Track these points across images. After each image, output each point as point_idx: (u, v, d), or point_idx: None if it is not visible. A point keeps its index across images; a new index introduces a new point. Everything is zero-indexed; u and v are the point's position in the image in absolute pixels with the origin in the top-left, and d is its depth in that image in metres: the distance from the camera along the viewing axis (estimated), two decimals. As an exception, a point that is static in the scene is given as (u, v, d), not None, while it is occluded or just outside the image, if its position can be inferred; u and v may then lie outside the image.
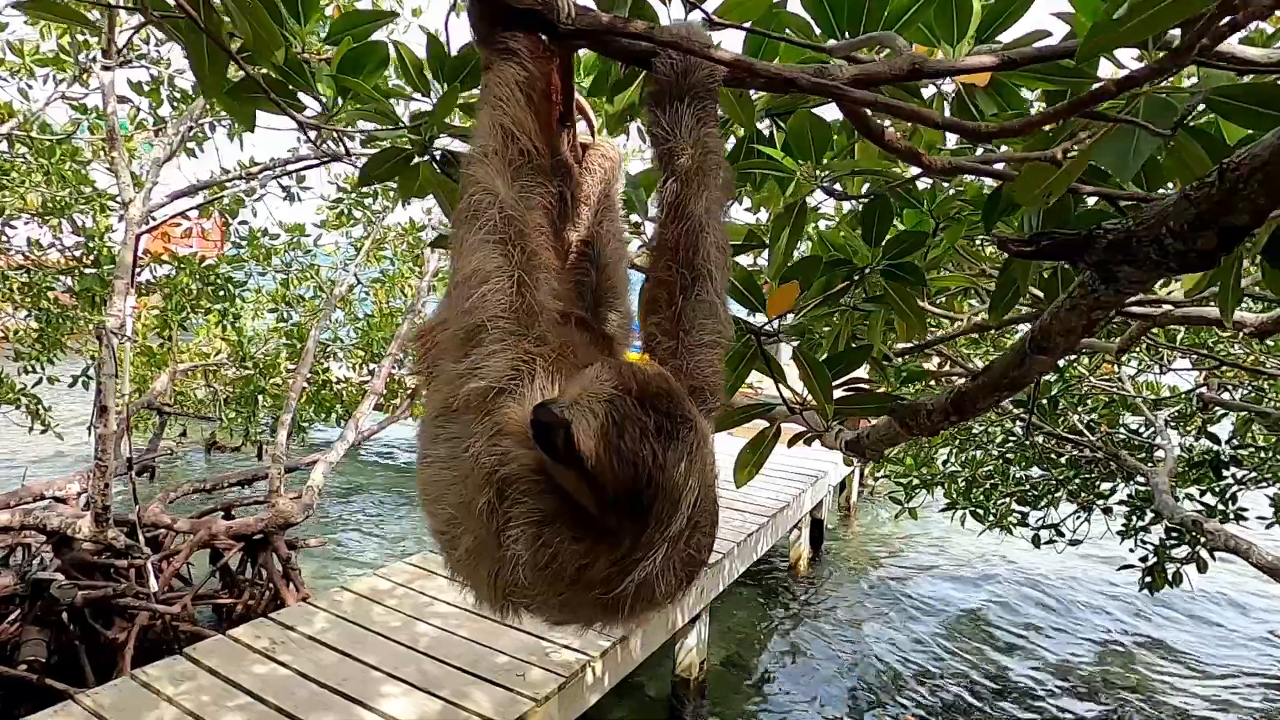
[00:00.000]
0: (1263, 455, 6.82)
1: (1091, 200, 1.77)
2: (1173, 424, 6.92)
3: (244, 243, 10.68)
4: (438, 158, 2.16)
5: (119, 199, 7.04)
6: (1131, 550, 6.70)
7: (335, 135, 2.36)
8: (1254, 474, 6.58)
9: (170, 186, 8.01)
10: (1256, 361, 4.87)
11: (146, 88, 7.99)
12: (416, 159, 2.18)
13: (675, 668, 7.95)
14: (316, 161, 6.90)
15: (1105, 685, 8.87)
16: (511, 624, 5.91)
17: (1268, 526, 6.61)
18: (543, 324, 1.10)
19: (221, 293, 10.13)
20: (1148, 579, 6.53)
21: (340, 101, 2.12)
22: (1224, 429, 6.90)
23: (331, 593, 6.55)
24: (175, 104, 7.98)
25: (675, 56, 1.11)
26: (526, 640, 5.76)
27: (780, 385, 2.14)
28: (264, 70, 1.92)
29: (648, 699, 8.03)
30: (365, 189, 9.26)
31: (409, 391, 10.93)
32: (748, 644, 9.46)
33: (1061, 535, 7.05)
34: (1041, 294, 2.40)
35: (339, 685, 5.01)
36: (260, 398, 11.88)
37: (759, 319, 2.05)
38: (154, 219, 7.10)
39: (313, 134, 2.25)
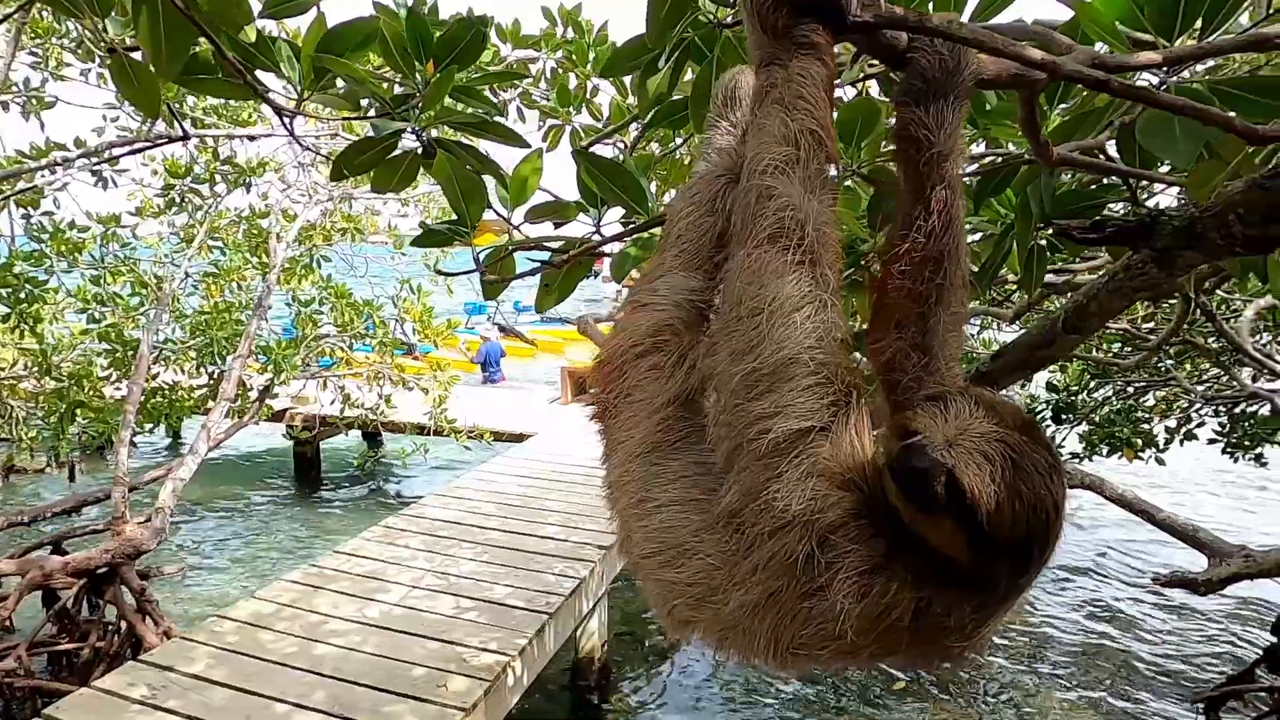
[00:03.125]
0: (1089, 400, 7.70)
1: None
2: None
3: (44, 236, 9.33)
4: (425, 148, 1.96)
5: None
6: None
7: (315, 121, 2.07)
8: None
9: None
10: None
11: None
12: (401, 149, 1.97)
13: (578, 652, 7.90)
14: (150, 144, 6.12)
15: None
16: (419, 632, 5.69)
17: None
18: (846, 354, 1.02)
19: (23, 294, 8.82)
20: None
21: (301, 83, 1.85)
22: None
23: (208, 623, 5.94)
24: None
25: (945, 52, 1.04)
26: (438, 648, 5.50)
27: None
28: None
29: (550, 686, 7.94)
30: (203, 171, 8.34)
31: (258, 394, 10.05)
32: (644, 620, 9.56)
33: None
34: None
35: (242, 725, 4.57)
36: (78, 412, 10.52)
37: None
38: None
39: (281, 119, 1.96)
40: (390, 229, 11.70)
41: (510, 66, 4.37)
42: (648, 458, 1.20)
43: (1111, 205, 1.94)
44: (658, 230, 1.81)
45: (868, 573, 0.95)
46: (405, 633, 5.68)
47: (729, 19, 1.68)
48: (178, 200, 8.64)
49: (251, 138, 8.27)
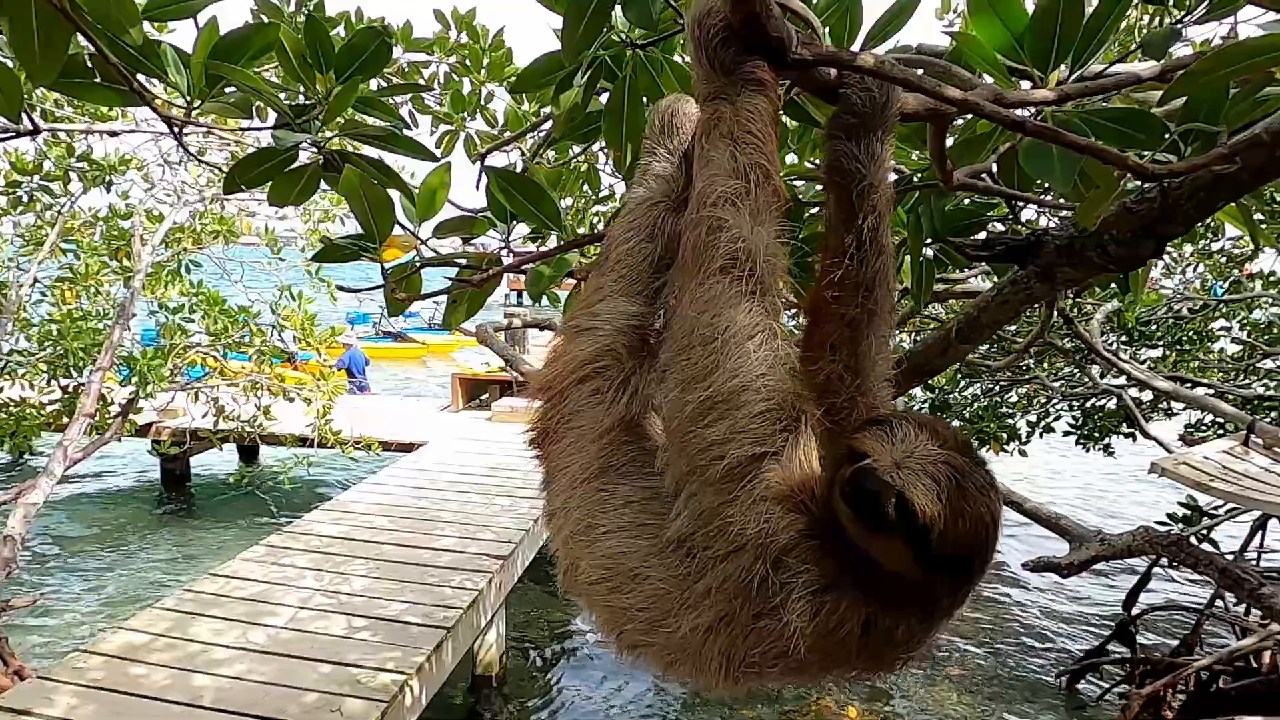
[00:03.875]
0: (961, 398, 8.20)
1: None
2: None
3: None
4: (327, 161, 1.89)
5: None
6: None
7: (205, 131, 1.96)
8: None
9: None
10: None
11: None
12: (300, 162, 1.88)
13: (476, 666, 7.76)
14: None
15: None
16: (310, 655, 5.44)
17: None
18: (797, 380, 1.04)
19: None
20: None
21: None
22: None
23: (70, 660, 5.47)
24: None
25: (875, 89, 1.09)
26: (331, 671, 5.27)
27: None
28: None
29: (449, 703, 7.76)
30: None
31: (121, 409, 9.32)
32: (540, 630, 9.49)
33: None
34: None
35: (114, 768, 4.24)
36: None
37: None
38: None
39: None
40: (267, 232, 11.12)
41: (402, 69, 4.25)
42: (593, 484, 1.20)
43: (995, 224, 2.09)
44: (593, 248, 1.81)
45: (819, 591, 0.98)
46: (295, 657, 5.41)
47: (641, 40, 1.71)
48: (24, 199, 7.92)
49: (113, 133, 7.68)
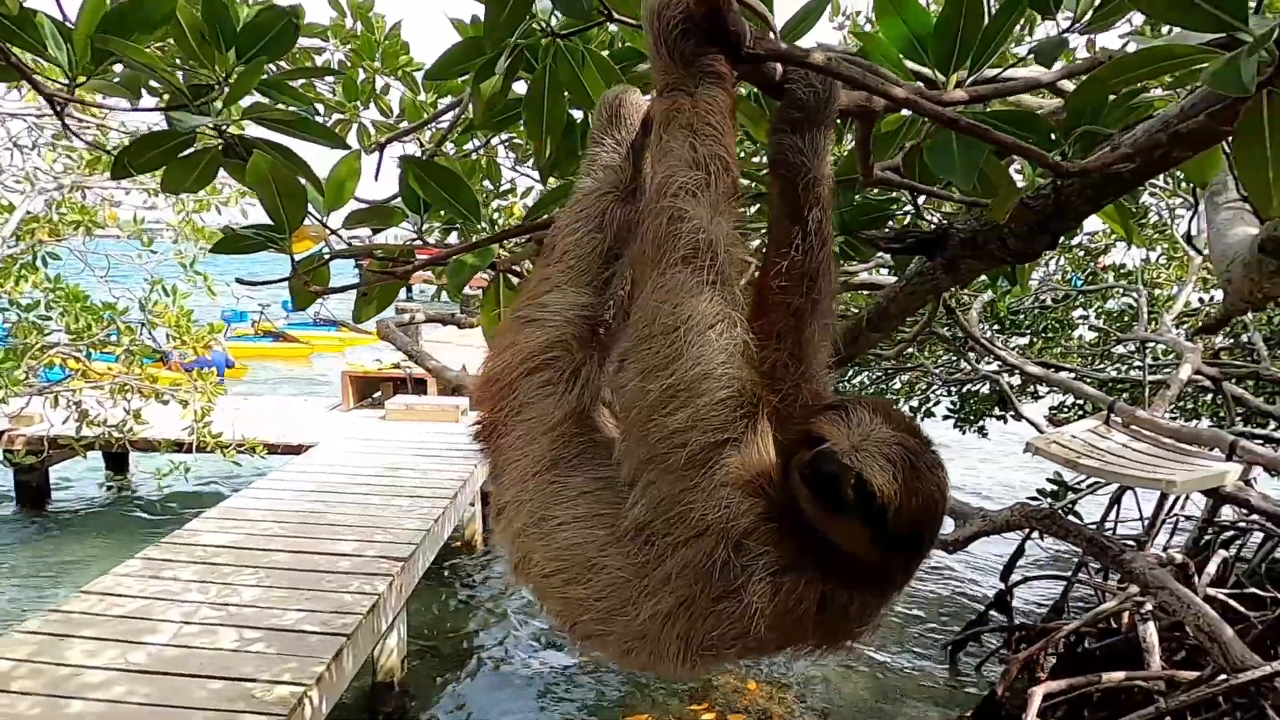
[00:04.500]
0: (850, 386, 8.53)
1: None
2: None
3: None
4: (228, 146, 1.78)
5: None
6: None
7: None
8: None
9: None
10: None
11: None
12: (197, 146, 1.77)
13: (376, 673, 7.53)
14: None
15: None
16: (198, 672, 5.14)
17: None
18: (755, 368, 1.05)
19: None
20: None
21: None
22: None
23: (-82, 694, 4.97)
24: None
25: (819, 85, 1.12)
26: (223, 687, 5.00)
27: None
28: None
29: (348, 713, 7.50)
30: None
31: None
32: (441, 633, 9.30)
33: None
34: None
35: (-23, 808, 3.88)
36: None
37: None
38: None
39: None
40: (135, 222, 10.36)
41: (293, 54, 4.06)
42: (545, 476, 1.19)
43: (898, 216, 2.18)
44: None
45: (779, 572, 1.01)
46: (181, 675, 5.09)
47: (562, 29, 1.69)
48: None
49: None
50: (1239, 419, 8.24)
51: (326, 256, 1.92)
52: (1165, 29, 1.96)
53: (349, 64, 4.30)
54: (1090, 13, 1.68)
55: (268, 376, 24.36)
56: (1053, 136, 1.59)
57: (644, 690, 8.20)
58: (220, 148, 1.77)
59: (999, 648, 8.30)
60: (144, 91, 1.82)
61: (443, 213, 2.00)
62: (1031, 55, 1.75)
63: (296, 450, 11.34)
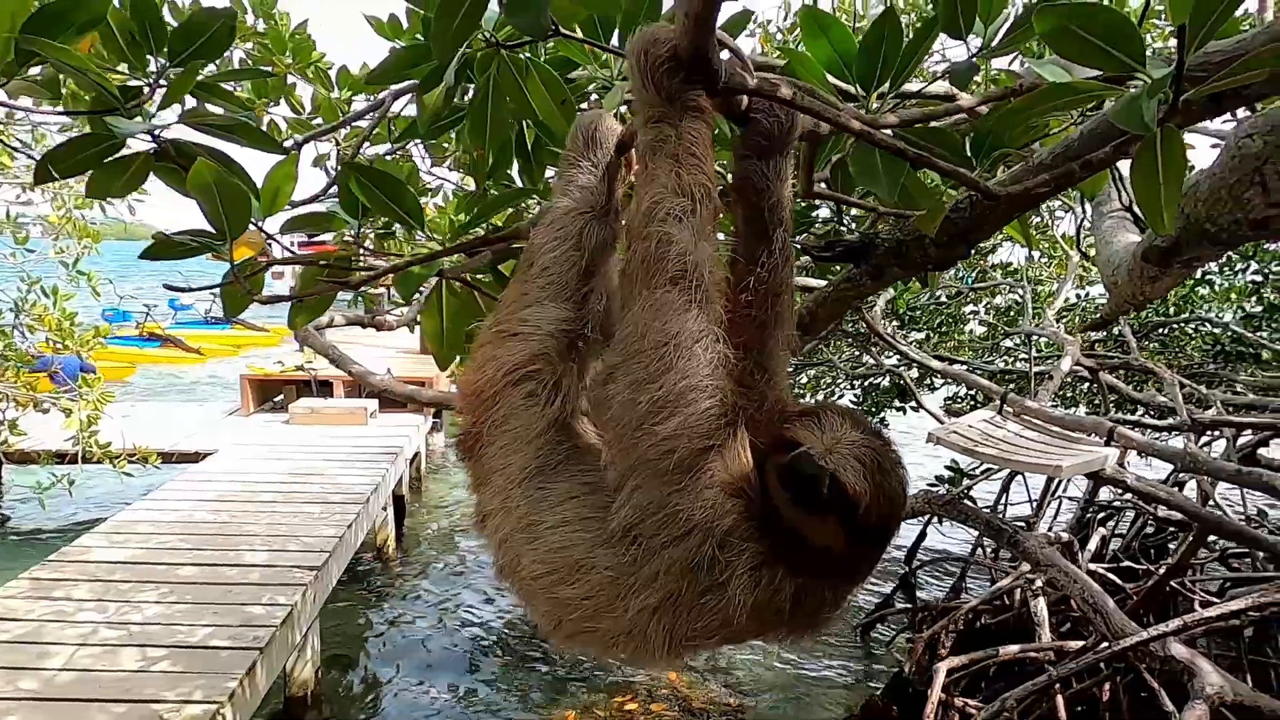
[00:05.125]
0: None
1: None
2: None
3: None
4: (160, 150, 1.73)
5: None
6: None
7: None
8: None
9: None
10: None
11: None
12: (128, 150, 1.71)
13: (289, 686, 7.28)
14: None
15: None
16: (98, 696, 4.87)
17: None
18: (733, 379, 1.12)
19: None
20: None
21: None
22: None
23: None
24: None
25: (781, 115, 1.19)
26: (126, 710, 4.76)
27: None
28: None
29: (259, 729, 7.23)
30: None
31: None
32: (355, 642, 9.06)
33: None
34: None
35: None
36: None
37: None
38: None
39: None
40: (8, 219, 9.64)
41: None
42: (532, 482, 1.24)
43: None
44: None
45: (758, 567, 1.09)
46: (80, 700, 4.82)
47: (507, 40, 1.73)
48: None
49: None
50: (1112, 406, 8.93)
51: (264, 263, 1.89)
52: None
53: (250, 62, 4.17)
54: (997, 38, 1.83)
55: (155, 382, 23.04)
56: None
57: (566, 689, 8.24)
58: (152, 152, 1.71)
59: (905, 627, 8.73)
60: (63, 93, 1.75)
61: (383, 219, 2.00)
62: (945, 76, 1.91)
63: (193, 458, 10.81)
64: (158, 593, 6.28)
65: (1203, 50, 1.19)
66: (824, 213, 2.69)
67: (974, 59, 1.91)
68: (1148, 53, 1.13)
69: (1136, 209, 2.28)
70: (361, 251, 2.00)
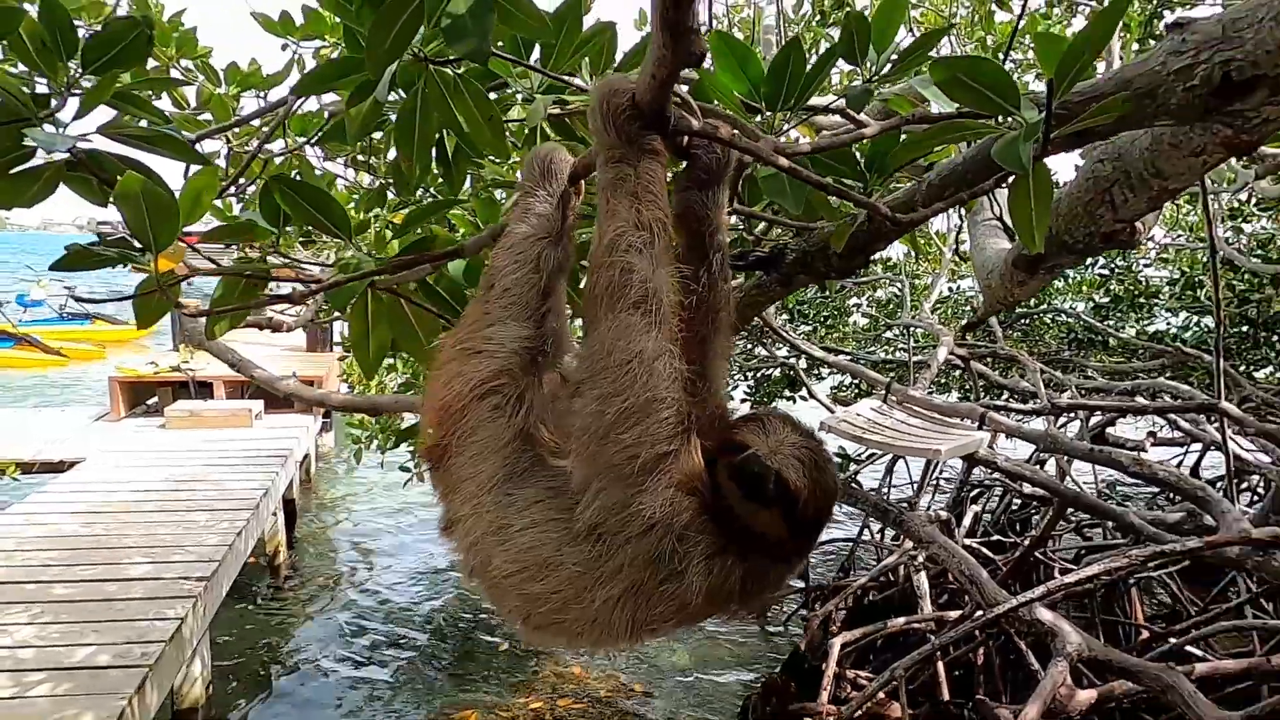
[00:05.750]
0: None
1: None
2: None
3: None
4: (74, 160, 1.68)
5: None
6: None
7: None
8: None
9: None
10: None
11: None
12: (39, 159, 1.66)
13: (177, 703, 6.95)
14: None
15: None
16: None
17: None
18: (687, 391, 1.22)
19: None
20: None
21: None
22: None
23: None
24: None
25: (719, 151, 1.33)
26: (1, 739, 4.47)
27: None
28: None
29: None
30: None
31: None
32: (246, 653, 8.72)
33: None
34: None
35: None
36: None
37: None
38: None
39: None
40: None
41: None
42: (500, 488, 1.32)
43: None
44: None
45: (712, 556, 1.23)
46: (-52, 731, 4.49)
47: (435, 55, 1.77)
48: None
49: None
50: (982, 391, 9.63)
51: (181, 275, 1.87)
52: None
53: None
54: (887, 67, 2.01)
55: (9, 386, 21.23)
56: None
57: (467, 688, 8.21)
58: (65, 162, 1.67)
59: (800, 606, 9.15)
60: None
61: (308, 228, 2.01)
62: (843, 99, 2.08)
63: (58, 468, 10.09)
64: (29, 613, 5.87)
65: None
66: (732, 219, 2.84)
67: (868, 85, 2.09)
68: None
69: (1009, 223, 2.54)
70: (293, 260, 1.99)
